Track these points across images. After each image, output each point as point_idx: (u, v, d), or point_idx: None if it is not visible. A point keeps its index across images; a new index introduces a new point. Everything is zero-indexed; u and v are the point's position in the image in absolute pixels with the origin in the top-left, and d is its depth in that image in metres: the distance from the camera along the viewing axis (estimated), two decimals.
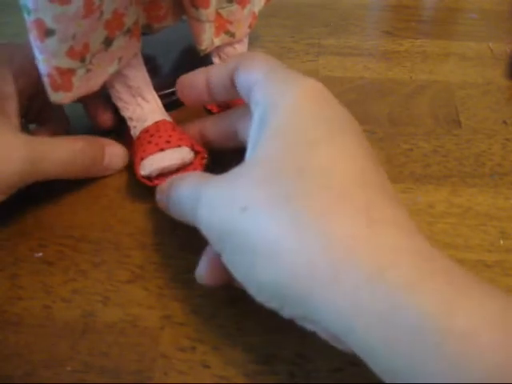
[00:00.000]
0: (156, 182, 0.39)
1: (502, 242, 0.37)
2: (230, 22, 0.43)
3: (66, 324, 0.33)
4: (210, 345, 0.32)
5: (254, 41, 0.47)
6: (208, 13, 0.40)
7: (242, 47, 0.45)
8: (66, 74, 0.36)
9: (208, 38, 0.42)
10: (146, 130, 0.40)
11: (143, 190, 0.40)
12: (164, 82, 0.48)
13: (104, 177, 0.41)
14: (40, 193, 0.40)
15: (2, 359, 0.31)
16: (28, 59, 0.35)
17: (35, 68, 0.34)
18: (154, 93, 0.43)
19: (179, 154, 0.39)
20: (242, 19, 0.43)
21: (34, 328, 0.33)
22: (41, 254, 0.37)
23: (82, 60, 0.36)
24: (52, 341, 0.32)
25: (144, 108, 0.42)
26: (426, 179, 0.41)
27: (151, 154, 0.38)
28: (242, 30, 0.44)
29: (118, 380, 0.30)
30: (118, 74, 0.40)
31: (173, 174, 0.39)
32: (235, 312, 0.34)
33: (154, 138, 0.39)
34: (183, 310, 0.34)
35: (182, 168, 0.39)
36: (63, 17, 0.32)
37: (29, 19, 0.32)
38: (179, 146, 0.39)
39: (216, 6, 0.41)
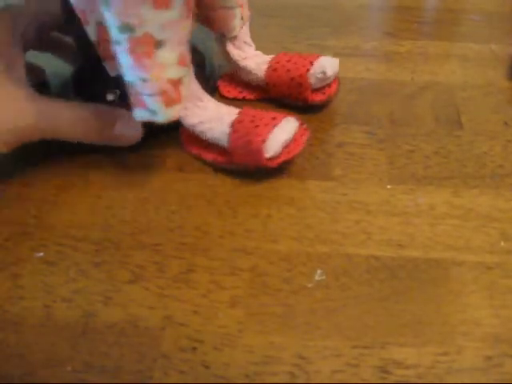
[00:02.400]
0: (276, 161, 0.38)
1: (502, 243, 0.37)
2: (241, 6, 0.43)
3: (66, 324, 0.33)
4: (210, 345, 0.32)
5: (254, 41, 0.47)
6: None
7: (246, 29, 0.46)
8: (177, 84, 0.33)
9: (237, 24, 0.42)
10: (238, 121, 0.39)
11: (144, 190, 0.40)
12: None
13: (104, 177, 0.41)
14: (41, 192, 0.40)
15: (2, 359, 0.31)
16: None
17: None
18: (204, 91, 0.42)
19: (292, 123, 0.39)
20: (245, 1, 0.44)
21: (34, 328, 0.33)
22: (41, 254, 0.37)
23: (187, 65, 0.34)
24: (52, 341, 0.32)
25: (208, 107, 0.40)
26: (427, 180, 0.41)
27: (269, 132, 0.38)
28: (246, 13, 0.45)
29: (118, 380, 0.30)
30: None
31: (285, 147, 0.39)
32: (235, 312, 0.34)
33: (256, 120, 0.38)
34: (184, 310, 0.34)
35: (291, 139, 0.39)
36: (170, 22, 0.30)
37: (132, 38, 0.29)
38: (285, 117, 0.39)
39: None
